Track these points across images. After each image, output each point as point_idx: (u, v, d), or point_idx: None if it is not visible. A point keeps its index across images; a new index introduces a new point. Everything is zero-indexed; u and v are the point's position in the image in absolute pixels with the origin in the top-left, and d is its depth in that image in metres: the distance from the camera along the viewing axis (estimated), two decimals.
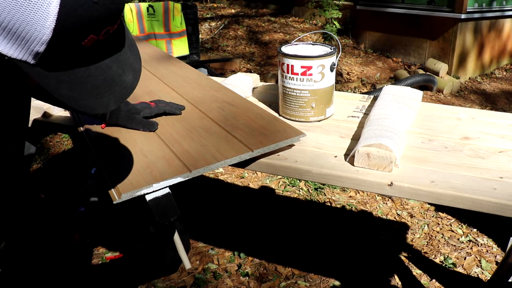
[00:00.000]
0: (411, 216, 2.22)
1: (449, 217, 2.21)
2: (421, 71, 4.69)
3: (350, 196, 2.40)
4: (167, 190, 0.84)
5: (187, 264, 0.82)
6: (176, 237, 0.81)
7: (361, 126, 1.26)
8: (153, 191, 0.85)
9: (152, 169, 0.96)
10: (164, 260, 0.79)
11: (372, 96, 1.50)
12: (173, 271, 0.83)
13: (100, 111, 0.58)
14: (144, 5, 3.21)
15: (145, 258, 0.78)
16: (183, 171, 0.94)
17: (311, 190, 2.45)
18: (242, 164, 1.05)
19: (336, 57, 1.27)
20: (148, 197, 0.82)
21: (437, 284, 1.77)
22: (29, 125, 1.33)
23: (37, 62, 0.52)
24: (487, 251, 1.97)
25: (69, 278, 0.80)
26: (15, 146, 0.73)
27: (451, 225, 2.15)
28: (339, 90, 3.04)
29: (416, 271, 1.84)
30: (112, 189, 0.90)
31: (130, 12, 3.16)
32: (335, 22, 4.91)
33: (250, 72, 4.43)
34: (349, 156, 1.05)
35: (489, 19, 4.85)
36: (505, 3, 4.89)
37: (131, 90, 0.61)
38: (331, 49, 1.29)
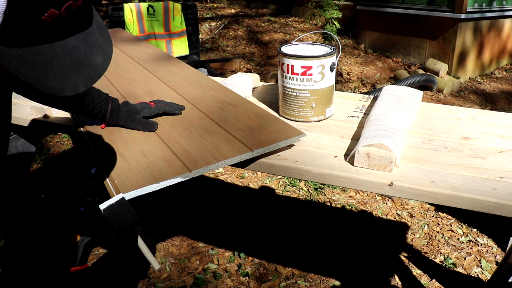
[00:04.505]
0: (411, 216, 2.22)
1: (449, 217, 2.21)
2: (421, 71, 4.69)
3: (350, 196, 2.40)
4: (121, 196, 0.83)
5: (155, 265, 0.82)
6: (140, 241, 0.81)
7: (361, 126, 1.26)
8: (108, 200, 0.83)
9: (152, 169, 0.96)
10: (132, 265, 0.79)
11: (372, 96, 1.50)
12: (143, 276, 0.82)
13: (68, 92, 0.57)
14: (144, 5, 3.21)
15: (112, 266, 0.77)
16: (183, 171, 0.94)
17: (311, 190, 2.45)
18: (242, 164, 1.05)
19: (336, 57, 1.27)
20: (101, 207, 0.80)
21: (437, 284, 1.77)
22: (28, 125, 1.33)
23: None
24: (487, 251, 1.97)
25: (69, 278, 0.80)
26: None
27: (451, 225, 2.15)
28: (339, 90, 3.04)
29: (416, 271, 1.84)
30: (112, 189, 0.90)
31: (130, 12, 3.16)
32: (335, 22, 4.91)
33: (250, 72, 4.43)
34: (349, 156, 1.05)
35: (489, 19, 4.85)
36: (505, 3, 4.89)
37: (101, 72, 0.60)
38: (331, 49, 1.28)
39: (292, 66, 1.24)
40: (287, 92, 1.29)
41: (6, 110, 0.73)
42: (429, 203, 2.27)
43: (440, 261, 1.90)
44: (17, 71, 0.53)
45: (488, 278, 1.81)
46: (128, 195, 0.88)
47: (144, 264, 0.81)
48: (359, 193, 2.43)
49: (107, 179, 0.94)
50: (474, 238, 2.05)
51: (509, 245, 1.14)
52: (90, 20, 0.58)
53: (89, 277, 0.77)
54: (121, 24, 3.16)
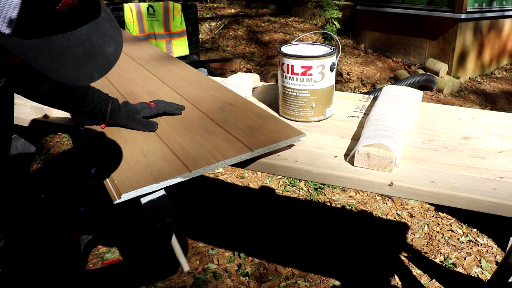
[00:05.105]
0: (411, 216, 2.22)
1: (449, 217, 2.21)
2: (421, 71, 4.69)
3: (350, 196, 2.40)
4: (163, 192, 0.84)
5: (185, 267, 0.82)
6: (174, 240, 0.81)
7: (361, 126, 1.26)
8: (149, 193, 0.84)
9: (152, 169, 0.95)
10: (163, 263, 0.79)
11: (372, 96, 1.50)
12: (172, 273, 0.83)
13: (84, 82, 0.58)
14: (144, 5, 3.21)
15: (143, 262, 0.78)
16: (183, 171, 0.94)
17: (311, 190, 2.45)
18: (242, 164, 1.05)
19: (336, 57, 1.27)
20: (143, 200, 0.81)
21: (437, 284, 1.77)
22: (28, 125, 1.33)
23: (13, 31, 0.51)
24: (487, 251, 1.97)
25: (69, 278, 0.80)
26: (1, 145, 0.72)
27: (451, 225, 2.15)
28: (339, 90, 3.04)
29: (416, 271, 1.84)
30: (112, 189, 0.90)
31: (130, 12, 3.16)
32: (335, 22, 4.91)
33: (250, 72, 4.43)
34: (349, 156, 1.05)
35: (489, 19, 4.85)
36: (505, 3, 4.89)
37: (114, 61, 0.61)
38: (331, 49, 1.28)
39: (292, 66, 1.24)
40: (287, 92, 1.29)
41: (9, 110, 0.74)
42: (429, 203, 2.27)
43: (440, 261, 1.90)
44: (33, 62, 0.54)
45: (488, 278, 1.80)
46: (128, 195, 0.88)
47: (174, 264, 0.81)
48: (359, 193, 2.43)
49: (107, 179, 0.94)
50: (474, 238, 2.05)
51: (509, 245, 1.14)
52: (99, 10, 0.59)
53: (121, 271, 0.78)
54: (121, 24, 3.16)
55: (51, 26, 0.53)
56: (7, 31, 0.51)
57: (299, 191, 2.44)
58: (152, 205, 0.82)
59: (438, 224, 2.16)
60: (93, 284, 0.78)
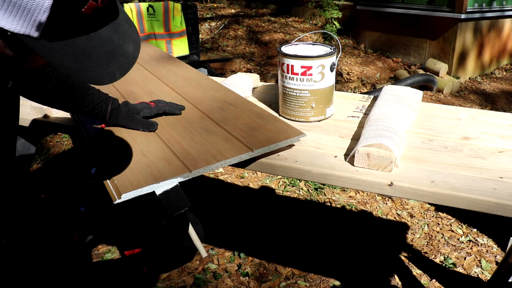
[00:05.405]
0: (411, 216, 2.22)
1: (449, 217, 2.21)
2: (421, 71, 4.69)
3: (350, 196, 2.40)
4: (176, 182, 0.87)
5: (203, 253, 0.87)
6: (190, 228, 0.85)
7: (361, 126, 1.26)
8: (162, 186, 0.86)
9: (152, 169, 0.95)
10: (181, 251, 0.82)
11: (372, 96, 1.50)
12: (189, 260, 0.86)
13: (107, 81, 0.60)
14: (144, 5, 3.21)
15: (163, 250, 0.81)
16: (183, 171, 0.94)
17: (311, 190, 2.45)
18: (242, 164, 1.05)
19: (336, 57, 1.27)
20: (157, 191, 0.84)
21: (437, 284, 1.77)
22: (28, 125, 1.33)
23: (41, 34, 0.53)
24: (487, 251, 1.97)
25: (69, 278, 0.80)
26: (5, 146, 0.73)
27: (451, 225, 2.15)
28: (339, 90, 3.04)
29: (416, 271, 1.84)
30: (112, 189, 0.90)
31: (130, 12, 3.16)
32: (335, 22, 4.91)
33: (250, 72, 4.43)
34: (349, 156, 1.05)
35: (489, 19, 4.84)
36: (505, 3, 4.89)
37: (134, 60, 0.63)
38: (331, 49, 1.28)
39: (292, 66, 1.24)
40: (287, 92, 1.29)
41: (15, 111, 0.74)
42: (429, 203, 2.27)
43: (440, 261, 1.90)
44: (60, 64, 0.55)
45: (488, 278, 1.80)
46: (128, 195, 0.88)
47: (191, 251, 0.83)
48: (359, 193, 2.43)
49: (107, 179, 0.94)
50: (474, 238, 2.05)
51: (509, 245, 1.14)
52: (118, 11, 0.61)
53: (140, 259, 0.80)
54: None
55: (76, 28, 0.55)
56: (35, 34, 0.52)
57: (299, 191, 2.44)
58: (167, 196, 0.85)
59: (438, 224, 2.16)
60: (114, 273, 0.82)
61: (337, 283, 1.77)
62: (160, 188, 0.85)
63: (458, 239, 2.04)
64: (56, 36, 0.53)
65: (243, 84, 1.51)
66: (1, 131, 0.71)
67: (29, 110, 1.37)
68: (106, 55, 0.58)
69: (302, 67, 1.22)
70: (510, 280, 1.15)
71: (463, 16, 4.43)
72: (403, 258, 1.91)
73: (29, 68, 0.62)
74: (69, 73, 0.56)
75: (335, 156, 1.08)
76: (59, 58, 0.55)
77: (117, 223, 0.89)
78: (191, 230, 0.86)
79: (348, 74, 4.72)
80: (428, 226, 2.14)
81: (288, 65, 1.24)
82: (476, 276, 1.82)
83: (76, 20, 0.54)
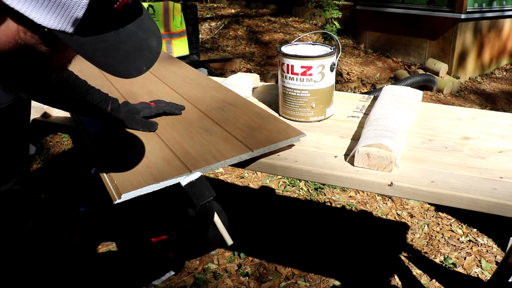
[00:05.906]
0: (411, 216, 2.22)
1: (449, 217, 2.21)
2: (421, 71, 4.69)
3: (350, 196, 2.40)
4: (200, 173, 0.91)
5: (229, 241, 0.89)
6: (216, 216, 0.87)
7: (361, 126, 1.26)
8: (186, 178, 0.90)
9: (152, 169, 0.95)
10: (206, 239, 0.85)
11: (372, 96, 1.50)
12: (214, 248, 0.90)
13: (134, 75, 0.62)
14: (144, 5, 3.21)
15: (189, 238, 0.82)
16: (183, 171, 0.94)
17: (311, 190, 2.45)
18: (242, 164, 1.05)
19: (336, 57, 1.27)
20: (183, 183, 0.88)
21: (437, 284, 1.77)
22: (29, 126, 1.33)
23: (75, 30, 0.54)
24: (487, 251, 1.97)
25: (70, 278, 0.80)
26: (20, 147, 0.74)
27: (451, 225, 2.15)
28: (339, 90, 3.04)
29: (416, 271, 1.84)
30: (112, 189, 0.90)
31: None
32: (335, 22, 4.91)
33: (250, 72, 4.43)
34: (349, 156, 1.05)
35: (489, 19, 4.85)
36: (505, 3, 4.89)
37: (157, 55, 0.65)
38: (331, 49, 1.28)
39: (292, 66, 1.23)
40: (287, 92, 1.29)
41: (27, 119, 0.76)
42: (429, 203, 2.27)
43: (440, 261, 1.90)
44: (92, 58, 0.57)
45: (488, 278, 1.81)
46: (128, 195, 0.88)
47: (217, 239, 0.87)
48: (359, 193, 2.43)
49: (107, 179, 0.94)
50: (474, 238, 2.05)
51: (509, 245, 1.14)
52: (142, 8, 0.63)
53: (167, 246, 0.82)
54: None
55: (108, 24, 0.57)
56: (70, 30, 0.54)
57: (299, 191, 2.44)
58: (192, 186, 0.88)
59: (438, 224, 2.16)
60: (144, 258, 0.84)
61: (337, 283, 1.77)
62: (185, 180, 0.89)
63: (458, 239, 2.04)
64: (89, 31, 0.56)
65: (243, 84, 1.51)
66: (19, 130, 0.72)
67: None
68: (133, 49, 0.60)
69: (302, 67, 1.22)
70: (510, 280, 1.15)
71: (463, 16, 4.43)
72: (403, 258, 1.92)
73: (54, 65, 0.64)
74: (100, 67, 0.58)
75: (335, 156, 1.08)
76: (91, 52, 0.57)
77: (141, 213, 0.90)
78: (217, 219, 0.88)
79: (348, 74, 4.73)
80: (428, 226, 2.14)
81: (288, 65, 1.24)
82: (476, 276, 1.82)
83: (108, 16, 0.56)
